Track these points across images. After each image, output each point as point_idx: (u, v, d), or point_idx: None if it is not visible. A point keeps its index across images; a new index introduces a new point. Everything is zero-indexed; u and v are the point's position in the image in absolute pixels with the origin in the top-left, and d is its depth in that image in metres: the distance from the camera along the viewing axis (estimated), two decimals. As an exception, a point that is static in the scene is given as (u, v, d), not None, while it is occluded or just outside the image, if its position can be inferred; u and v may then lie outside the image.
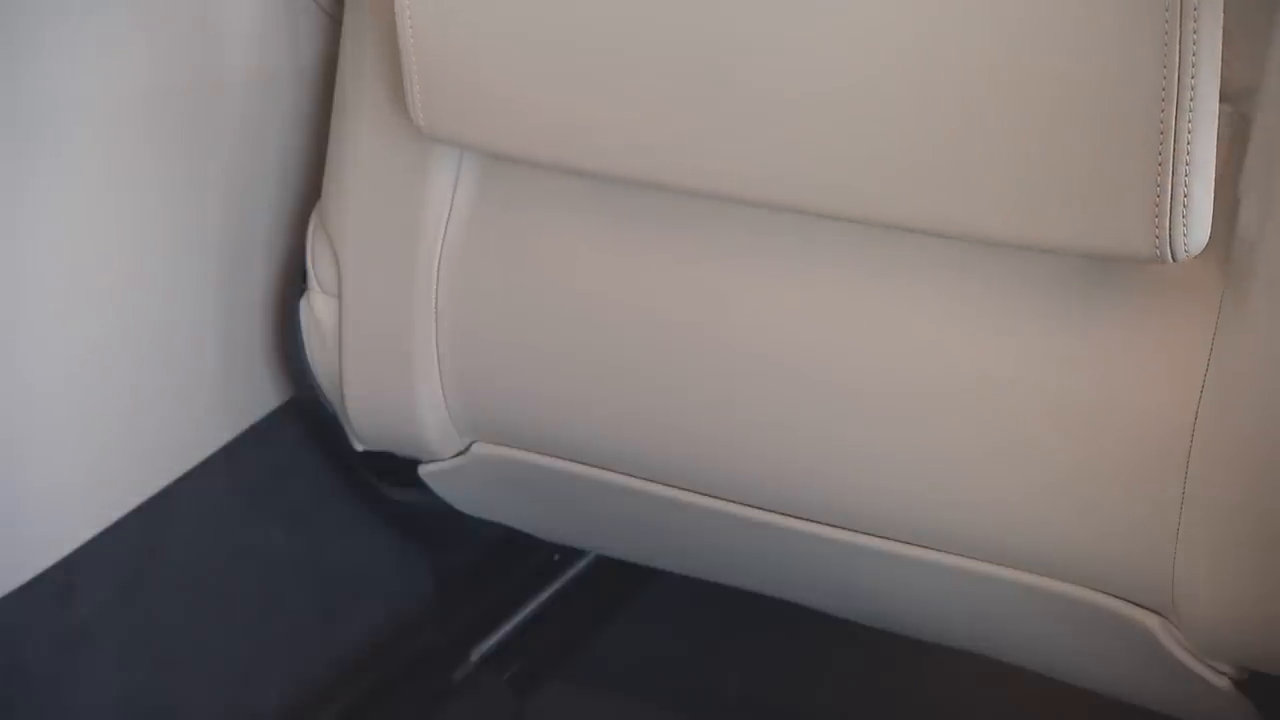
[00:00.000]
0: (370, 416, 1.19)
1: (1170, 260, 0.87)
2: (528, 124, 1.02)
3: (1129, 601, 1.00)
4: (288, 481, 1.28)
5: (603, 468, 1.13)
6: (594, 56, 0.97)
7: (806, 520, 1.08)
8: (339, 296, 1.17)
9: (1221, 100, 0.93)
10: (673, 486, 1.11)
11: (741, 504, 1.09)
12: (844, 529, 1.07)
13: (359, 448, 1.23)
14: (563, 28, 0.97)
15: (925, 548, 1.04)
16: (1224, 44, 0.90)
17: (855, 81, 0.90)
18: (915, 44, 0.88)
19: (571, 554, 1.49)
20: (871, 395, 1.01)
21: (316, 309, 1.19)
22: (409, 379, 1.15)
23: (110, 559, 1.14)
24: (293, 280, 1.21)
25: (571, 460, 1.14)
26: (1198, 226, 0.86)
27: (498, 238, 1.11)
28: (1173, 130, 0.83)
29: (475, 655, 1.43)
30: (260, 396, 1.24)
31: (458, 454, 1.20)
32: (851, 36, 0.89)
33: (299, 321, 1.20)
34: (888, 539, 1.05)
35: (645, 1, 0.94)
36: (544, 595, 1.49)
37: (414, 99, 1.04)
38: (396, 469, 1.24)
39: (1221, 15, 0.82)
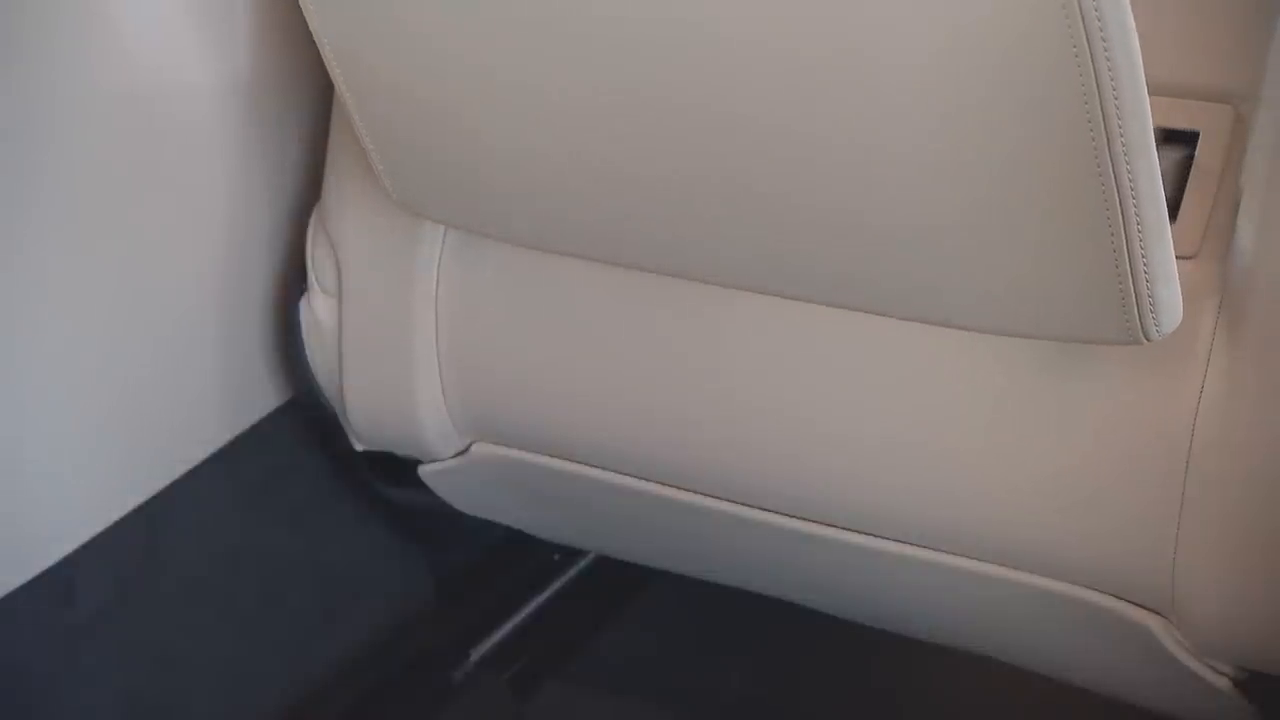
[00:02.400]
0: (370, 416, 1.19)
1: (1148, 341, 0.87)
2: (496, 209, 1.03)
3: (1129, 601, 1.00)
4: (288, 481, 1.28)
5: (603, 468, 1.13)
6: (554, 159, 0.96)
7: (807, 520, 1.08)
8: (339, 297, 1.17)
9: (1221, 100, 0.94)
10: (673, 486, 1.11)
11: (741, 504, 1.09)
12: (844, 529, 1.07)
13: (359, 448, 1.24)
14: (516, 130, 0.95)
15: (925, 548, 1.05)
16: (1224, 44, 0.90)
17: (823, 188, 0.89)
18: (876, 152, 0.87)
19: (571, 554, 1.49)
20: (871, 395, 1.01)
21: (316, 309, 1.19)
22: (409, 379, 1.15)
23: (110, 559, 1.14)
24: (293, 280, 1.21)
25: (571, 460, 1.14)
26: (1167, 313, 0.87)
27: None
28: (1122, 236, 0.83)
29: (475, 655, 1.43)
30: (260, 396, 1.24)
31: (457, 454, 1.20)
32: (823, 147, 0.88)
33: (299, 321, 1.20)
34: (888, 539, 1.05)
35: (614, 107, 0.91)
36: (544, 595, 1.49)
37: (379, 173, 1.04)
38: (396, 469, 1.24)
39: (1150, 123, 0.80)
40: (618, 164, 0.94)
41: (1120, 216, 0.81)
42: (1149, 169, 0.80)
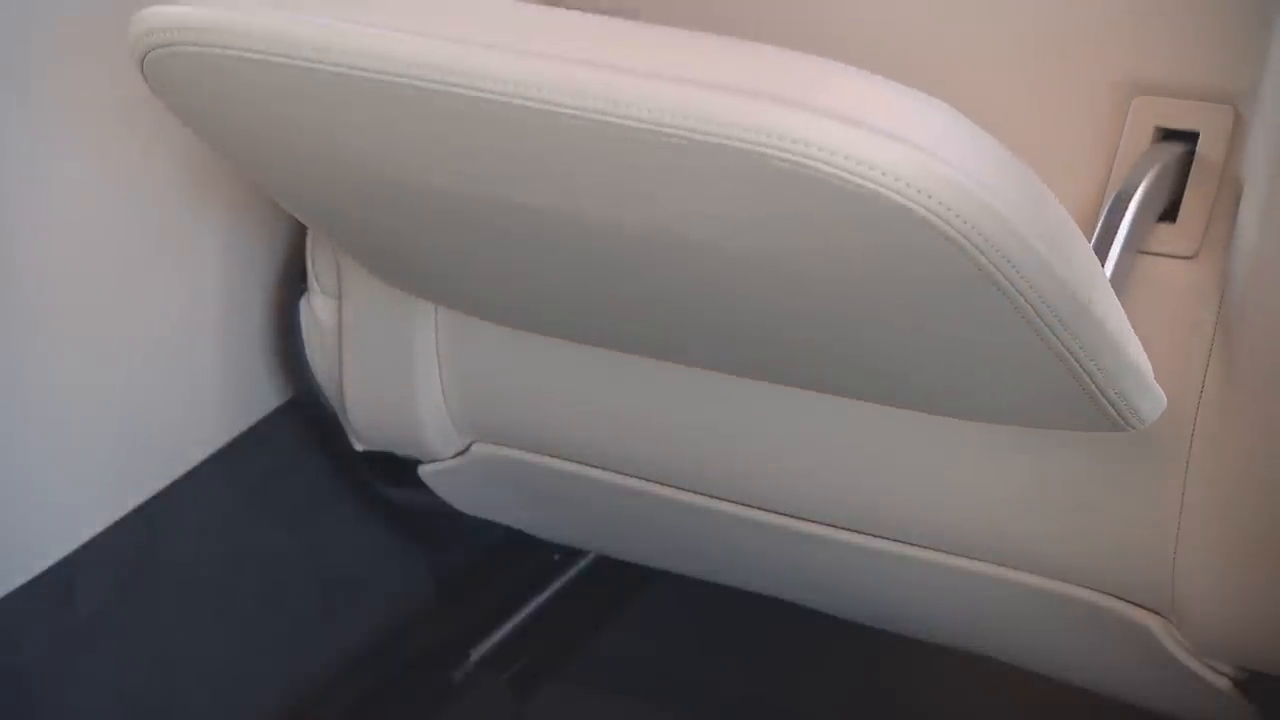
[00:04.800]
0: (370, 416, 1.19)
1: (1136, 429, 0.88)
2: (481, 304, 1.07)
3: (1129, 601, 1.00)
4: (288, 481, 1.28)
5: (603, 468, 1.13)
6: (534, 292, 0.98)
7: (807, 520, 1.08)
8: (339, 297, 1.17)
9: (1221, 100, 0.94)
10: (673, 486, 1.11)
11: (741, 504, 1.09)
12: (844, 529, 1.07)
13: (359, 448, 1.23)
14: (493, 273, 0.97)
15: (925, 548, 1.05)
16: (1224, 44, 0.90)
17: (804, 345, 0.92)
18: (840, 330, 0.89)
19: (571, 554, 1.49)
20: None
21: (316, 309, 1.19)
22: (409, 379, 1.15)
23: (110, 559, 1.14)
24: (293, 280, 1.21)
25: (571, 460, 1.14)
26: (1149, 410, 0.87)
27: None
28: (1087, 379, 0.84)
29: (475, 655, 1.43)
30: (260, 396, 1.24)
31: (458, 454, 1.20)
32: (798, 325, 0.90)
33: (299, 321, 1.20)
34: (888, 539, 1.05)
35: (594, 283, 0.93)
36: (544, 595, 1.48)
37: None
38: (396, 469, 1.24)
39: (1083, 290, 0.81)
40: (602, 305, 0.96)
41: (1079, 368, 0.82)
42: (1092, 326, 0.81)
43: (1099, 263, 0.84)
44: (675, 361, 1.04)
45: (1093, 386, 0.83)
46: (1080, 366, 0.82)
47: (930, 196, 0.72)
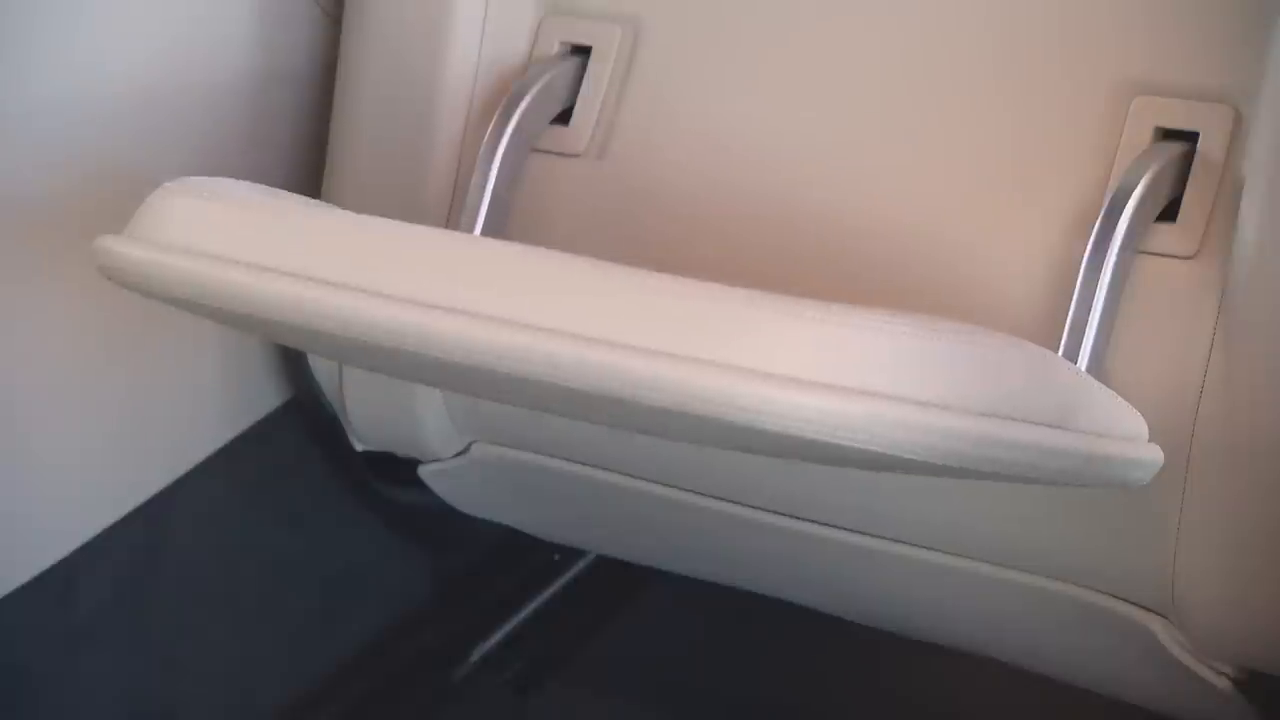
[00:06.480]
0: (370, 416, 1.19)
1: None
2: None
3: (1129, 602, 1.00)
4: (288, 481, 1.28)
5: (603, 468, 1.13)
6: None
7: (806, 520, 1.08)
8: (339, 296, 1.17)
9: (1221, 100, 0.94)
10: (673, 487, 1.11)
11: (741, 504, 1.09)
12: (844, 529, 1.06)
13: (359, 448, 1.23)
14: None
15: (925, 548, 1.04)
16: (1224, 44, 0.90)
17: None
18: None
19: (571, 554, 1.49)
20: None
21: (316, 309, 1.19)
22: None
23: (110, 559, 1.14)
24: (293, 280, 1.21)
25: (571, 460, 1.14)
26: (1144, 475, 0.87)
27: (497, 238, 1.11)
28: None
29: (475, 655, 1.43)
30: (260, 396, 1.24)
31: (458, 454, 1.20)
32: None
33: (299, 321, 1.20)
34: (887, 539, 1.05)
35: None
36: (544, 595, 1.48)
37: None
38: (396, 469, 1.24)
39: None
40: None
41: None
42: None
43: (1087, 380, 0.85)
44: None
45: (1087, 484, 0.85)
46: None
47: (894, 443, 0.73)
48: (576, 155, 1.09)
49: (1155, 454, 0.86)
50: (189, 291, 0.84)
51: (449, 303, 0.77)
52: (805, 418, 0.71)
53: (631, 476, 1.12)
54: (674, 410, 0.72)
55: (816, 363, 0.73)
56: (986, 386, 0.76)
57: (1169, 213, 0.94)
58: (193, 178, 0.92)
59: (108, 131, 1.09)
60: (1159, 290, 0.94)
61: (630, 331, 0.74)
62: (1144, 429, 0.87)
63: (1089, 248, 0.92)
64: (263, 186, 0.96)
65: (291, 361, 1.23)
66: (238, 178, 1.18)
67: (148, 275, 0.86)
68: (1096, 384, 0.86)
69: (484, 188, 1.06)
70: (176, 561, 1.20)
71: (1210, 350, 0.92)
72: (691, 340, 0.73)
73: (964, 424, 0.74)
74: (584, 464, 1.14)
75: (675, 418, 0.74)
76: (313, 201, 0.98)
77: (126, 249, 0.87)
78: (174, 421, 1.18)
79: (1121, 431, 0.85)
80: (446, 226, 1.11)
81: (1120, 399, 0.87)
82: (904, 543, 1.05)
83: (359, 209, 1.14)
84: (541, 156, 1.09)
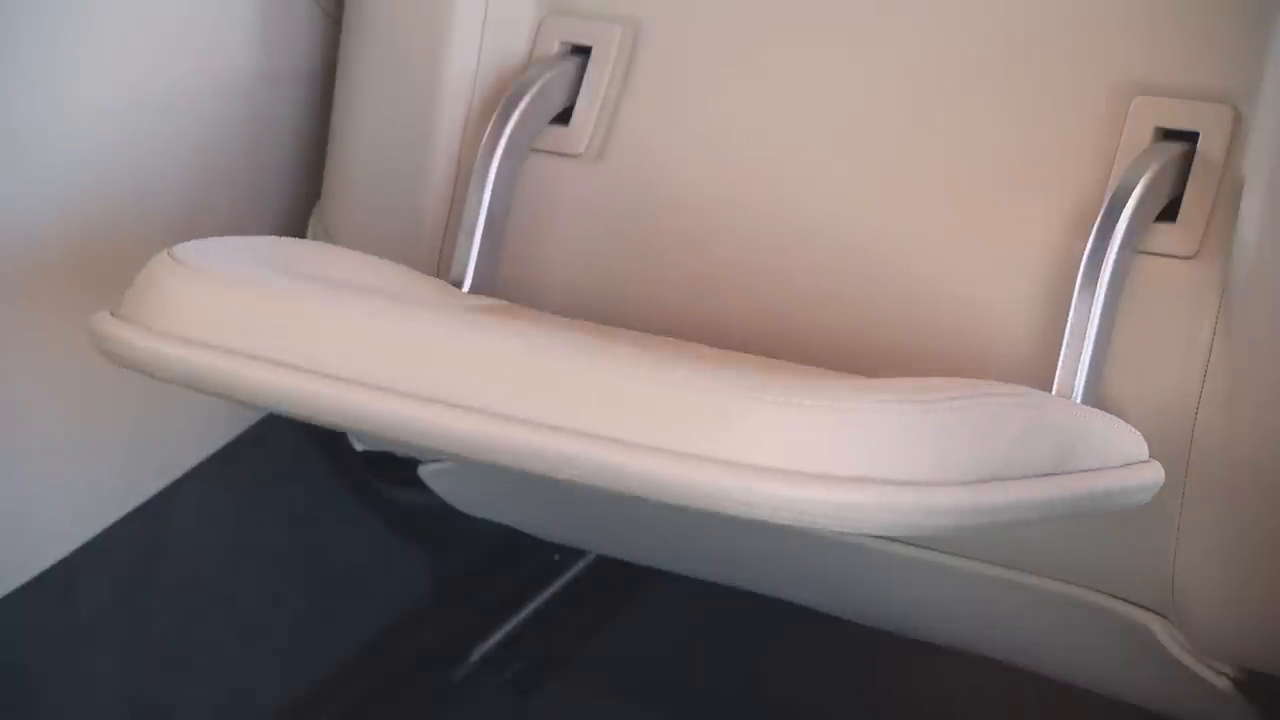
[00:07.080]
0: (370, 416, 1.19)
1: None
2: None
3: (1129, 602, 1.00)
4: (287, 482, 1.28)
5: (603, 467, 1.13)
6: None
7: (806, 520, 1.08)
8: (339, 296, 1.17)
9: (1221, 100, 0.94)
10: (672, 487, 1.11)
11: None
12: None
13: (359, 448, 1.23)
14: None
15: (925, 548, 1.04)
16: (1224, 44, 0.90)
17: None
18: None
19: (571, 554, 1.49)
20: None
21: (316, 309, 1.19)
22: (409, 379, 1.15)
23: (110, 559, 1.14)
24: (292, 280, 1.21)
25: (571, 460, 1.14)
26: (1143, 495, 0.89)
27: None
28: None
29: (475, 655, 1.42)
30: (260, 397, 1.24)
31: (457, 454, 1.20)
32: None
33: (299, 321, 1.20)
34: (886, 539, 1.05)
35: None
36: (544, 595, 1.48)
37: None
38: (396, 469, 1.24)
39: None
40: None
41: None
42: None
43: (1080, 417, 0.86)
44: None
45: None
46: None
47: (884, 526, 0.75)
48: (576, 155, 1.09)
49: (1155, 474, 0.86)
50: (188, 380, 0.88)
51: (446, 398, 0.81)
52: (801, 510, 0.75)
53: (631, 476, 1.12)
54: (672, 503, 0.75)
55: (803, 452, 0.75)
56: (977, 452, 0.77)
57: (1169, 213, 0.94)
58: (191, 245, 0.93)
59: (108, 131, 1.09)
60: (1159, 290, 0.94)
61: (613, 425, 0.79)
62: (1143, 448, 0.87)
63: (1089, 247, 0.92)
64: (261, 243, 0.98)
65: (291, 361, 1.23)
66: (237, 177, 1.18)
67: (144, 363, 0.89)
68: (1092, 412, 0.86)
69: (483, 187, 1.07)
70: (176, 561, 1.20)
71: (1210, 350, 0.92)
72: (678, 433, 0.78)
73: (952, 498, 0.75)
74: (584, 464, 1.14)
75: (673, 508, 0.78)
76: (310, 256, 1.00)
77: (123, 334, 0.89)
78: (174, 422, 1.18)
79: (1121, 458, 0.86)
80: (446, 226, 1.12)
81: (1117, 420, 0.88)
82: (904, 543, 1.05)
83: (358, 208, 1.15)
84: (541, 156, 1.09)
